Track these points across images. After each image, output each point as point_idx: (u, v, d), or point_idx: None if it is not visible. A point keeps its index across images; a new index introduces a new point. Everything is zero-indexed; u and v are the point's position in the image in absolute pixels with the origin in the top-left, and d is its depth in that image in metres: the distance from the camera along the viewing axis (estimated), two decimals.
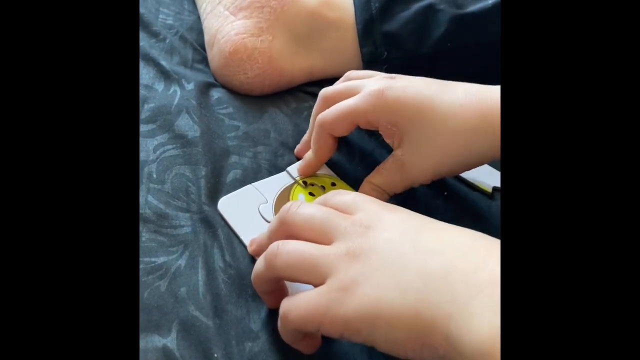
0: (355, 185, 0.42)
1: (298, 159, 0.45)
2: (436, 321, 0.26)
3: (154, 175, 0.41)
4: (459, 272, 0.27)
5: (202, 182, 0.42)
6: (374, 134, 0.47)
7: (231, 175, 0.43)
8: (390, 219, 0.31)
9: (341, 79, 0.45)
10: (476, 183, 0.45)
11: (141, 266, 0.36)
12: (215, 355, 0.33)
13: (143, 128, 0.44)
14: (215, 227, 0.39)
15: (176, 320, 0.34)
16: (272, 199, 0.41)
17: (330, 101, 0.42)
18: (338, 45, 0.51)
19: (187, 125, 0.45)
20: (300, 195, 0.42)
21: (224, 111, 0.47)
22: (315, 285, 0.30)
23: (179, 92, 0.47)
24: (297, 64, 0.50)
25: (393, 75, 0.41)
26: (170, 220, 0.39)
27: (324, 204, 0.34)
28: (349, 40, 0.50)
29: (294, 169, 0.44)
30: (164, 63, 0.49)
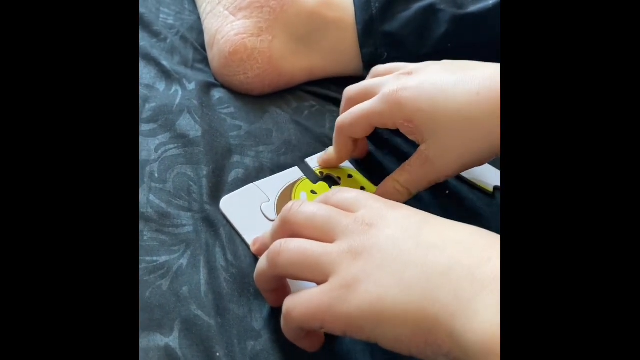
0: (374, 176, 0.42)
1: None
2: (440, 318, 0.26)
3: (156, 175, 0.41)
4: (463, 268, 0.27)
5: (204, 181, 0.42)
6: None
7: (233, 175, 0.43)
8: (392, 216, 0.31)
9: (369, 75, 0.45)
10: (477, 182, 0.45)
11: (143, 265, 0.36)
12: (218, 354, 0.33)
13: (144, 127, 0.44)
14: (217, 226, 0.39)
15: (178, 319, 0.34)
16: (274, 198, 0.41)
17: (352, 102, 0.42)
18: (338, 45, 0.51)
19: (189, 124, 0.45)
20: (302, 193, 0.42)
21: (225, 111, 0.47)
22: (318, 283, 0.30)
23: (180, 92, 0.47)
24: (297, 64, 0.50)
25: (411, 69, 0.41)
26: (172, 220, 0.39)
27: (326, 202, 0.34)
28: (349, 40, 0.50)
29: (314, 159, 0.45)
30: (165, 63, 0.49)
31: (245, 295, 0.36)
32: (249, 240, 0.38)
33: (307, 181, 0.43)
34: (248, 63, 0.49)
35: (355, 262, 0.29)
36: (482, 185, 0.45)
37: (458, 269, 0.27)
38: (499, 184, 0.45)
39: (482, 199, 0.45)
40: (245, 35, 0.49)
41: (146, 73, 0.49)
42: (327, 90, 0.51)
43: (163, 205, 0.40)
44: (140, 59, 0.50)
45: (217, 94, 0.49)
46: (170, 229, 0.39)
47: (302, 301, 0.30)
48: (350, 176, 0.44)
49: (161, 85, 0.48)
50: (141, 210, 0.39)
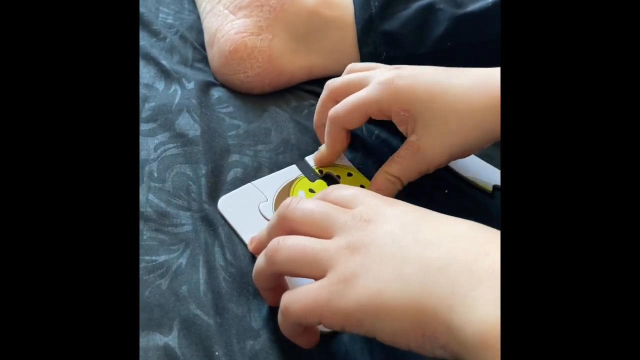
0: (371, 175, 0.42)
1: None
2: (437, 312, 0.26)
3: (155, 174, 0.41)
4: (460, 262, 0.27)
5: (203, 180, 0.42)
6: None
7: (232, 174, 0.43)
8: (390, 212, 0.31)
9: (344, 72, 0.45)
10: (477, 181, 0.45)
11: (142, 265, 0.36)
12: (217, 353, 0.33)
13: (144, 127, 0.44)
14: (216, 226, 0.39)
15: (177, 319, 0.34)
16: (272, 197, 0.41)
17: (337, 92, 0.42)
18: (337, 44, 0.51)
19: (188, 124, 0.45)
20: (300, 192, 0.42)
21: (224, 110, 0.47)
22: (316, 279, 0.30)
23: (179, 91, 0.47)
24: (296, 63, 0.50)
25: (398, 66, 0.42)
26: (171, 219, 0.39)
27: (324, 199, 0.34)
28: (348, 39, 0.50)
29: (312, 159, 0.45)
30: (164, 62, 0.49)
31: (244, 295, 0.36)
32: (247, 240, 0.38)
33: (305, 179, 0.43)
34: (248, 62, 0.49)
35: (354, 257, 0.29)
36: (481, 184, 0.45)
37: (455, 264, 0.27)
38: (497, 182, 0.45)
39: (481, 198, 0.45)
40: (245, 34, 0.49)
41: (145, 72, 0.49)
42: None
43: (162, 204, 0.40)
44: (139, 58, 0.50)
45: (217, 93, 0.49)
46: (170, 228, 0.39)
47: (300, 296, 0.30)
48: (349, 174, 0.44)
49: (160, 85, 0.48)
50: (140, 209, 0.39)
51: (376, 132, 0.48)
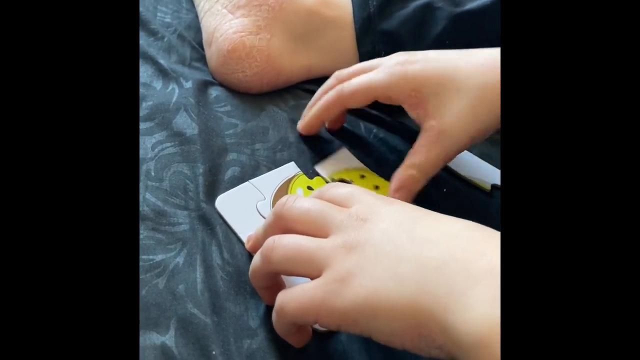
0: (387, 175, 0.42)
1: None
2: (433, 312, 0.26)
3: (152, 173, 0.41)
4: (457, 262, 0.27)
5: (200, 179, 0.42)
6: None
7: (229, 173, 0.43)
8: (387, 211, 0.31)
9: (331, 77, 0.45)
10: (475, 180, 0.45)
11: (139, 264, 0.36)
12: (214, 352, 0.33)
13: (141, 126, 0.44)
14: (214, 225, 0.39)
15: (174, 318, 0.34)
16: (269, 196, 0.41)
17: (346, 79, 0.42)
18: (336, 43, 0.51)
19: (186, 123, 0.45)
20: (298, 189, 0.42)
21: (222, 109, 0.47)
22: (312, 278, 0.30)
23: (177, 90, 0.47)
24: (295, 62, 0.50)
25: (406, 52, 0.42)
26: (168, 218, 0.39)
27: (320, 198, 0.34)
28: (347, 38, 0.50)
29: (324, 166, 0.44)
30: (162, 61, 0.49)
31: (241, 294, 0.36)
32: (245, 239, 0.38)
33: (304, 177, 0.43)
34: (246, 61, 0.49)
35: (350, 256, 0.29)
36: (480, 184, 0.45)
37: (452, 263, 0.27)
38: (496, 182, 0.45)
39: (479, 197, 0.44)
40: (243, 34, 0.49)
41: (143, 71, 0.49)
42: None
43: (159, 203, 0.40)
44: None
45: (214, 92, 0.49)
46: (167, 227, 0.39)
47: (295, 296, 0.30)
48: (362, 176, 0.44)
49: (158, 84, 0.48)
50: None
51: (374, 130, 0.48)
